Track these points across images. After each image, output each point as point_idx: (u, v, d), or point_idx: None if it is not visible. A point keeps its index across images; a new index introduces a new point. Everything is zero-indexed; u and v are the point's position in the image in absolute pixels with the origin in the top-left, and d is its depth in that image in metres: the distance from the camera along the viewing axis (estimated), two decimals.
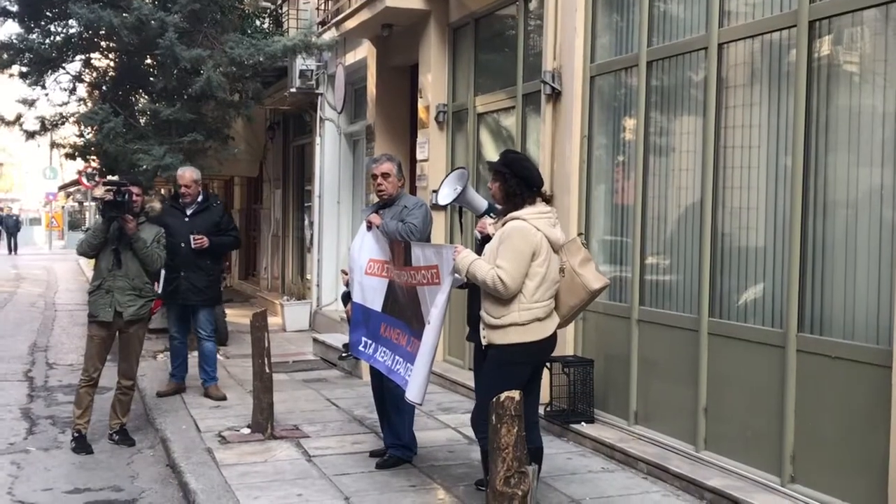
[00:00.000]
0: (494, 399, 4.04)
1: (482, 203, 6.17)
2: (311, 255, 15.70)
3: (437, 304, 5.77)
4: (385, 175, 7.05)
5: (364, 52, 12.98)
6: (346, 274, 10.76)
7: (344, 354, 10.84)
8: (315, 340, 12.65)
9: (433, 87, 10.73)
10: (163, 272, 9.21)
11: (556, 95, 8.25)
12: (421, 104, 11.00)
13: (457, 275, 5.65)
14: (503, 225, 5.43)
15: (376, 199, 7.34)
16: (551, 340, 5.51)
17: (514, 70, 9.28)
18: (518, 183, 5.48)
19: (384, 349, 6.64)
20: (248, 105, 13.37)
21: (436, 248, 6.03)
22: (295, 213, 18.01)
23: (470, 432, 7.89)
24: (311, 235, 15.67)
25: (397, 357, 6.42)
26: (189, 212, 9.58)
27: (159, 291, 9.21)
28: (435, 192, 9.10)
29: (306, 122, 17.06)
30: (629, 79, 7.58)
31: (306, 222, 16.77)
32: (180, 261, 9.35)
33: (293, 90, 14.71)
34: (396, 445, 7.10)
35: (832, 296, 5.68)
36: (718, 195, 6.56)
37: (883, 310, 5.32)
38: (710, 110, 6.57)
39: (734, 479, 6.14)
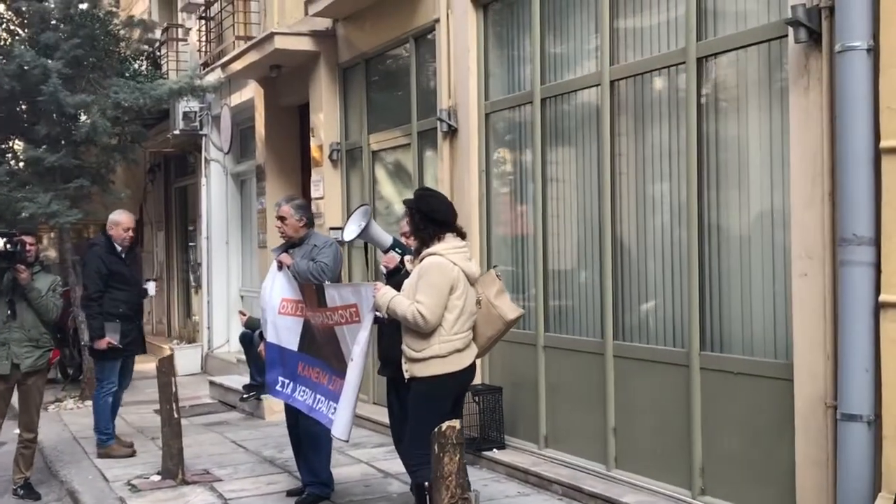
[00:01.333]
0: (436, 429, 4.19)
1: (387, 238, 6.33)
2: (199, 297, 15.59)
3: (359, 342, 5.89)
4: (282, 218, 7.20)
5: (251, 92, 13.03)
6: (244, 315, 10.82)
7: (245, 396, 10.87)
8: (212, 383, 12.56)
9: (326, 126, 10.87)
10: (119, 324, 8.82)
11: (452, 132, 8.50)
12: (314, 143, 11.12)
13: (377, 312, 5.79)
14: (421, 261, 5.60)
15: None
16: (471, 370, 5.70)
17: (408, 108, 9.50)
18: (422, 218, 5.66)
19: (303, 388, 6.71)
20: (132, 149, 13.27)
21: (353, 287, 6.17)
22: (179, 254, 17.86)
23: (384, 466, 8.09)
24: (198, 276, 15.57)
25: (318, 395, 6.51)
26: (125, 258, 9.11)
27: (119, 345, 8.83)
28: (332, 229, 9.22)
29: (189, 164, 16.98)
30: (524, 115, 7.87)
31: (192, 263, 16.64)
32: (137, 310, 9.14)
33: (176, 132, 14.63)
34: (315, 483, 7.16)
35: (731, 314, 6.02)
36: (617, 221, 6.87)
37: (779, 325, 5.67)
38: (604, 141, 6.88)
39: (647, 495, 6.42)
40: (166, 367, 8.09)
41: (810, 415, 5.30)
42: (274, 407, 10.72)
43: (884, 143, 4.75)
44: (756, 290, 5.87)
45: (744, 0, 5.95)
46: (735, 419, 5.93)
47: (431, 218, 5.61)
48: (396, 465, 8.08)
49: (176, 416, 7.99)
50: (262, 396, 10.76)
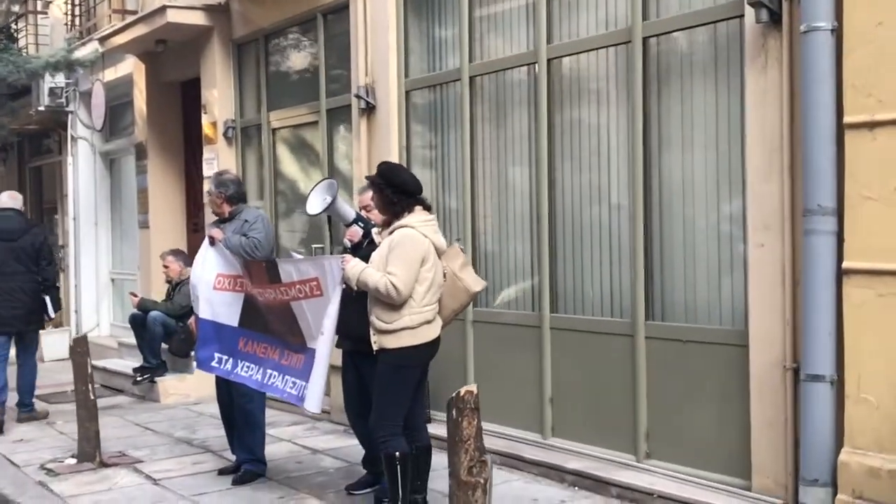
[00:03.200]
0: (454, 394, 4.23)
1: (350, 213, 6.29)
2: (64, 280, 14.99)
3: (329, 315, 5.84)
4: (208, 194, 7.17)
5: (127, 68, 12.61)
6: (136, 297, 10.54)
7: (139, 378, 10.56)
8: (94, 367, 12.08)
9: (220, 102, 10.67)
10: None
11: (370, 110, 8.47)
12: (206, 120, 10.87)
13: (346, 285, 5.75)
14: (391, 233, 5.61)
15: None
16: (437, 342, 5.75)
17: (315, 85, 9.43)
18: (394, 191, 5.67)
19: (248, 363, 6.61)
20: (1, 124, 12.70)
21: (313, 260, 6.11)
22: None
23: (308, 443, 8.09)
24: (62, 259, 14.99)
25: (269, 371, 6.42)
26: None
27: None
28: None
29: (44, 142, 16.33)
30: (450, 92, 7.93)
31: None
32: None
33: (41, 108, 14.01)
34: (251, 460, 7.07)
35: (677, 285, 6.27)
36: (555, 194, 7.02)
37: (727, 293, 5.95)
38: (541, 117, 7.01)
39: (591, 461, 6.61)
40: (81, 348, 7.83)
41: (766, 378, 5.58)
42: (169, 389, 10.52)
43: (848, 119, 5.05)
44: (703, 261, 6.12)
45: None
46: (682, 385, 6.18)
47: (403, 190, 5.62)
48: (322, 442, 8.12)
49: (92, 397, 7.77)
50: (157, 379, 10.51)
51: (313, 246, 9.37)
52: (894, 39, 4.89)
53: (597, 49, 6.73)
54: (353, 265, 5.63)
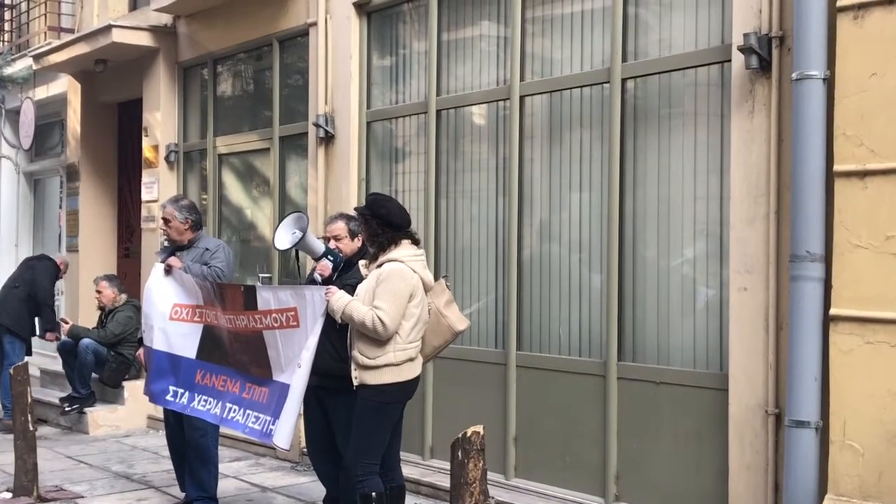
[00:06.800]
0: (460, 435, 4.12)
1: (320, 246, 6.10)
2: None
3: (308, 348, 5.66)
4: (166, 220, 6.90)
5: (61, 86, 12.27)
6: (67, 323, 10.17)
7: (68, 408, 10.18)
8: None
9: (162, 126, 10.41)
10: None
11: (328, 139, 8.34)
12: (147, 143, 10.59)
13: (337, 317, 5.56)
14: (378, 266, 5.48)
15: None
16: (418, 379, 5.62)
17: (267, 112, 9.28)
18: (378, 223, 5.55)
19: (205, 397, 6.37)
20: None
21: (293, 289, 5.92)
22: None
23: (256, 480, 7.87)
24: None
25: (227, 404, 6.20)
26: None
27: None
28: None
29: None
30: (415, 125, 7.85)
31: None
32: None
33: None
34: (203, 498, 6.79)
35: (650, 325, 6.25)
36: (524, 230, 6.98)
37: (701, 337, 5.97)
38: (513, 154, 6.97)
39: (558, 503, 6.53)
40: (22, 376, 7.48)
41: (746, 422, 5.57)
42: (99, 421, 10.16)
43: (838, 167, 5.08)
44: (677, 303, 6.13)
45: (668, 25, 6.22)
46: (654, 427, 6.14)
47: (388, 222, 5.50)
48: (270, 479, 7.91)
49: (31, 428, 7.41)
50: (86, 409, 10.14)
51: (260, 275, 9.17)
52: (887, 90, 4.96)
53: (572, 88, 6.71)
54: (339, 297, 5.48)
